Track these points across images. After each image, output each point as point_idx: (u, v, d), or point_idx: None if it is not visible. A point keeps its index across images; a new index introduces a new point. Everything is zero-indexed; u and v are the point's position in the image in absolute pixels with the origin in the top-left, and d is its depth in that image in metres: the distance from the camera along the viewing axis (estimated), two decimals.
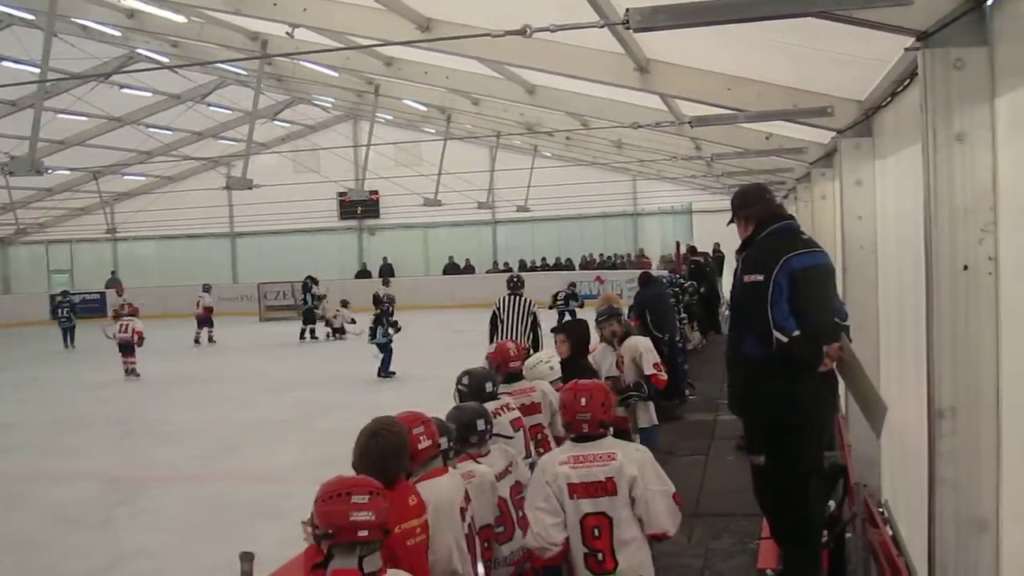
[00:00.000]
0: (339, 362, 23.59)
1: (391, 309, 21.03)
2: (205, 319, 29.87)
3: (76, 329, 30.47)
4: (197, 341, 29.56)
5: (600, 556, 4.95)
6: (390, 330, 20.48)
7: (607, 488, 4.96)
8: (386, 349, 20.54)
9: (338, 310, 29.39)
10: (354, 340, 26.73)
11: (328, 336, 29.02)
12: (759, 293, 5.58)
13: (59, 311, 31.01)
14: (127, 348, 22.34)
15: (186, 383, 21.00)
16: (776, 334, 5.48)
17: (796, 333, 5.46)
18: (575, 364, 8.11)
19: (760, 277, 5.61)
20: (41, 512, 11.43)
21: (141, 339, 22.27)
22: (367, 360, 21.23)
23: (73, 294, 38.75)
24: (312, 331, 29.46)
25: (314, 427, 15.37)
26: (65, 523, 10.94)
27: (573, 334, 8.71)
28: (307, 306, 29.96)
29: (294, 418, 16.33)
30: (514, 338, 12.79)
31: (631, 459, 5.05)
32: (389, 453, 4.25)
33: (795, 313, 5.50)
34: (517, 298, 13.95)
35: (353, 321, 27.81)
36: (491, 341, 12.73)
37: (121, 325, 22.65)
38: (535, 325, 13.76)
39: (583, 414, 5.10)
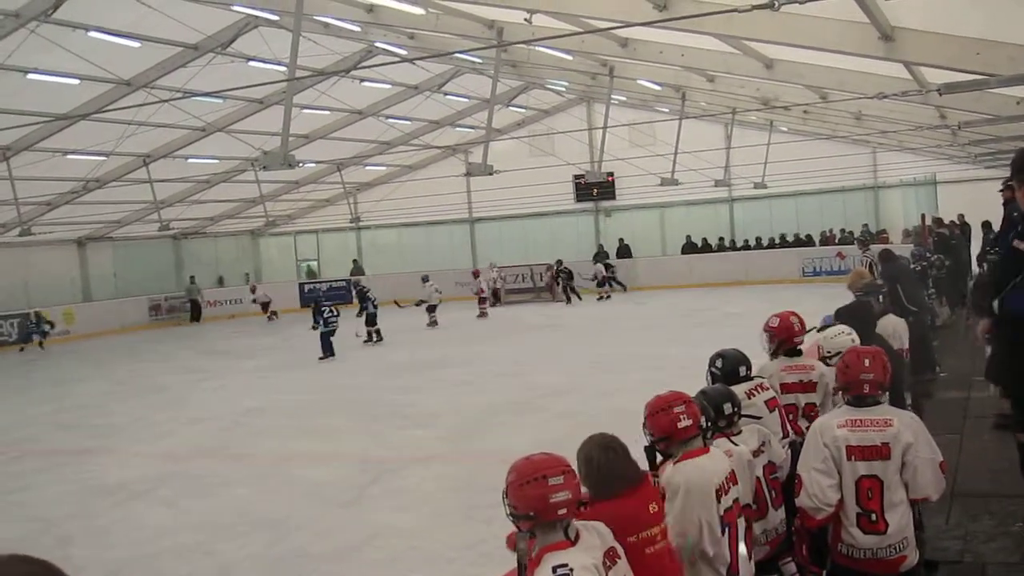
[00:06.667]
0: (564, 348, 23.54)
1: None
2: None
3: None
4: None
5: (873, 517, 5.02)
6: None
7: (882, 452, 5.03)
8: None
9: None
10: (578, 328, 27.17)
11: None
12: None
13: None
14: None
15: (423, 367, 21.45)
16: None
17: None
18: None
19: None
20: (295, 492, 11.91)
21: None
22: (591, 345, 22.32)
23: (320, 282, 40.75)
24: (377, 333, 26.94)
25: (549, 409, 15.51)
26: (319, 502, 11.36)
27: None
28: (369, 312, 26.87)
29: (529, 400, 16.45)
30: None
31: (906, 426, 5.10)
32: (615, 473, 4.24)
33: None
34: None
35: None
36: None
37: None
38: None
39: (866, 374, 5.18)
